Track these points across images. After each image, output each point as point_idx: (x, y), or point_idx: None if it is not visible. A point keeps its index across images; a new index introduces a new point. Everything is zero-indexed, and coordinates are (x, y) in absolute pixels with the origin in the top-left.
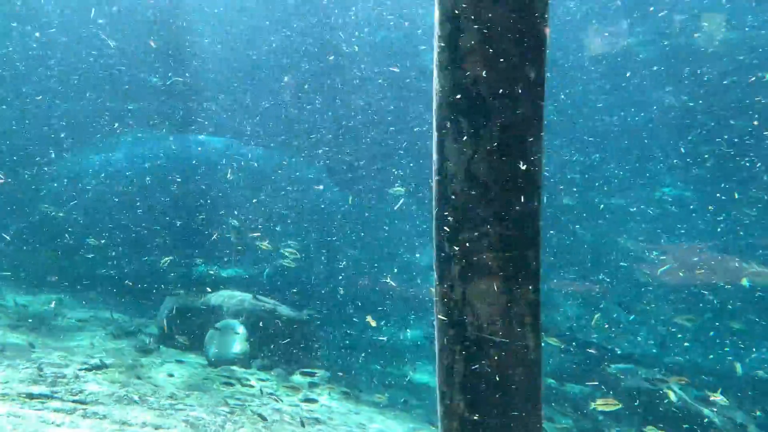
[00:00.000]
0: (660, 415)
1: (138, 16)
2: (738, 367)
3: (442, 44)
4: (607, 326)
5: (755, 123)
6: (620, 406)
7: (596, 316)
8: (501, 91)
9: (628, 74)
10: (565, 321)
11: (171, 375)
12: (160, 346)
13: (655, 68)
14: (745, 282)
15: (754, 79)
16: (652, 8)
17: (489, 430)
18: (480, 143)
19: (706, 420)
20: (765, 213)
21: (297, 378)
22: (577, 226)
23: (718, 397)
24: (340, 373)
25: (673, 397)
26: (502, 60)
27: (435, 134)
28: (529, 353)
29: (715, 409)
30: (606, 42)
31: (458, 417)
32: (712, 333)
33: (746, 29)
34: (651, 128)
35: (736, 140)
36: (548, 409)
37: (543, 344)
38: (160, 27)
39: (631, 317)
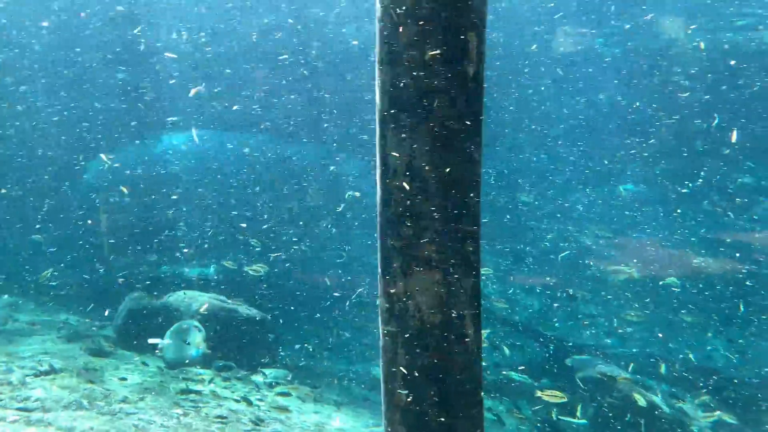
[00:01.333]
0: (611, 404)
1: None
2: (690, 356)
3: (383, 40)
4: (566, 320)
5: (713, 122)
6: (566, 398)
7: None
8: (440, 87)
9: (588, 74)
10: (525, 315)
11: (125, 378)
12: (116, 349)
13: (615, 69)
14: (672, 280)
15: (711, 79)
16: (613, 7)
17: (431, 419)
18: (420, 138)
19: (656, 406)
20: (721, 209)
21: (256, 378)
22: (534, 223)
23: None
24: (302, 372)
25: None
26: (440, 56)
27: (377, 129)
28: (469, 343)
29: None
30: (568, 42)
31: (401, 408)
32: (664, 324)
33: (705, 31)
34: (609, 127)
35: (691, 139)
36: (510, 400)
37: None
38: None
39: (590, 310)
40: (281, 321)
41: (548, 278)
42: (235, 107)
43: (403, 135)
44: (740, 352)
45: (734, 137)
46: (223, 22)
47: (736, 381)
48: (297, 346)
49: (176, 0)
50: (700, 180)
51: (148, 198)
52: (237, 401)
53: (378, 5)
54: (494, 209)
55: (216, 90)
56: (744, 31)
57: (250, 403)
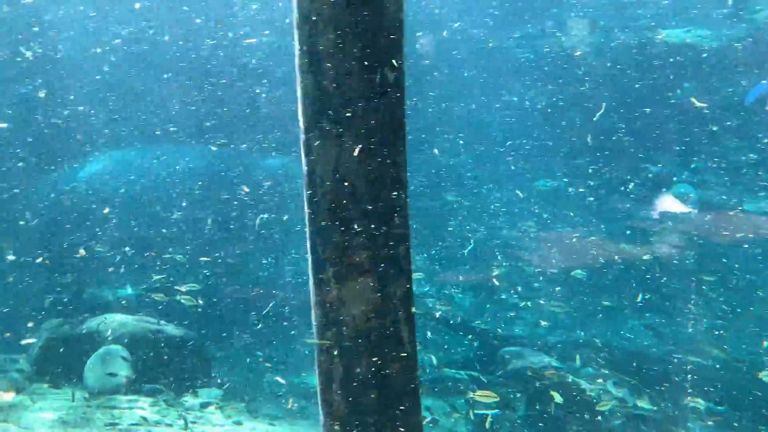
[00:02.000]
0: (542, 391)
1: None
2: (612, 340)
3: (302, 47)
4: (497, 313)
5: (625, 117)
6: (497, 398)
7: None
8: (362, 93)
9: (503, 76)
10: (457, 312)
11: (43, 413)
12: (32, 383)
13: (528, 70)
14: (578, 273)
15: (616, 77)
16: (524, 10)
17: (371, 427)
18: (345, 144)
19: (584, 390)
20: (633, 199)
21: (188, 400)
22: (459, 222)
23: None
24: (236, 389)
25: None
26: (361, 62)
27: (302, 137)
28: (404, 347)
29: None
30: (484, 44)
31: (339, 418)
32: (588, 311)
33: (612, 32)
34: (529, 125)
35: (607, 134)
36: (445, 398)
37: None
38: None
39: (520, 303)
40: (212, 339)
41: (476, 275)
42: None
43: (328, 143)
44: (657, 334)
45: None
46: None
47: (653, 360)
48: (230, 363)
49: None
50: (612, 173)
51: (65, 219)
52: (169, 425)
53: (295, 13)
54: (421, 211)
55: (129, 103)
56: (644, 31)
57: (184, 426)
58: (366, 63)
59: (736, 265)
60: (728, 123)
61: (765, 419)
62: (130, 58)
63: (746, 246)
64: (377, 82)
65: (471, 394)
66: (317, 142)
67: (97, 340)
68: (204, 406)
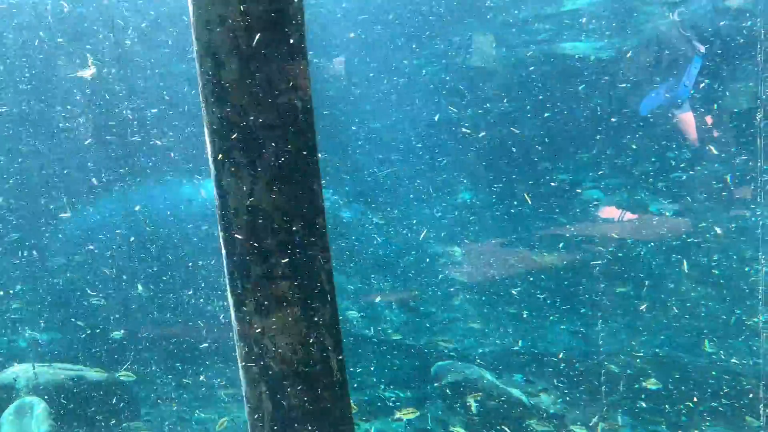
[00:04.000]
0: (477, 405)
1: None
2: (538, 346)
3: (206, 79)
4: (426, 329)
5: (533, 128)
6: (418, 413)
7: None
8: (270, 122)
9: (410, 92)
10: (386, 330)
11: None
12: None
13: (439, 86)
14: (501, 283)
15: (524, 88)
16: (429, 29)
17: None
18: (258, 175)
19: (514, 399)
20: (543, 209)
21: None
22: (383, 238)
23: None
24: (167, 429)
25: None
26: (267, 92)
27: (212, 170)
28: (334, 375)
29: (524, 390)
30: (395, 63)
31: None
32: (513, 320)
33: (514, 47)
34: (441, 141)
35: (517, 145)
36: (378, 419)
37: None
38: None
39: (447, 317)
40: (139, 378)
41: (403, 291)
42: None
43: (240, 174)
44: (581, 338)
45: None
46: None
47: (577, 363)
48: (158, 404)
49: None
50: (525, 183)
51: None
52: None
53: (196, 45)
54: (342, 231)
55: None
56: (544, 45)
57: None
58: (273, 92)
59: (648, 266)
60: (629, 130)
61: (691, 411)
62: None
63: (655, 246)
64: (285, 109)
65: (397, 414)
66: (228, 174)
67: (10, 393)
68: None
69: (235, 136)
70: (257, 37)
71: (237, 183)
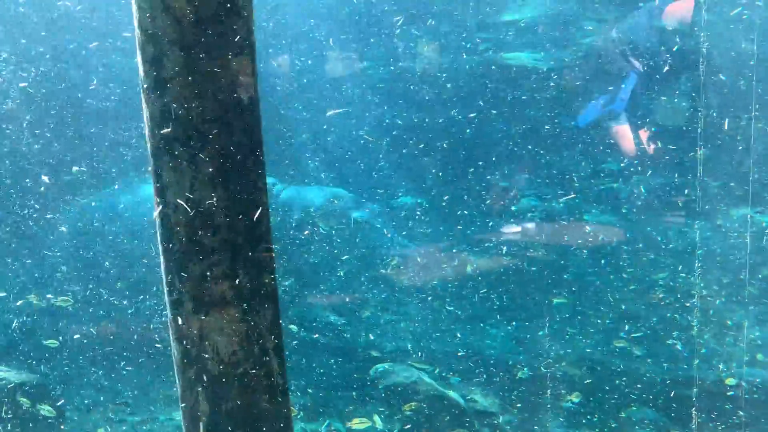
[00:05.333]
0: (416, 407)
1: None
2: (476, 350)
3: (146, 67)
4: (367, 331)
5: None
6: (369, 424)
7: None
8: (214, 115)
9: (357, 96)
10: (329, 333)
11: None
12: None
13: (384, 91)
14: (440, 287)
15: (467, 95)
16: (377, 32)
17: None
18: (199, 170)
19: (453, 402)
20: (481, 215)
21: None
22: (323, 241)
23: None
24: None
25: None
26: (210, 84)
27: (151, 162)
28: (274, 378)
29: (461, 391)
30: (342, 66)
31: None
32: (452, 323)
33: (458, 55)
34: (384, 145)
35: (457, 151)
36: (321, 422)
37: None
38: None
39: (387, 319)
40: (65, 381)
41: (346, 294)
42: None
43: (181, 168)
44: (516, 340)
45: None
46: None
47: (513, 366)
48: (86, 406)
49: None
50: (464, 189)
51: None
52: None
53: (138, 32)
54: (282, 233)
55: None
56: (487, 53)
57: None
58: (216, 85)
59: (581, 271)
60: (567, 140)
61: (616, 412)
62: None
63: (588, 253)
64: (229, 103)
65: (348, 424)
66: (168, 168)
67: None
68: None
69: (174, 129)
70: (204, 28)
71: (177, 177)
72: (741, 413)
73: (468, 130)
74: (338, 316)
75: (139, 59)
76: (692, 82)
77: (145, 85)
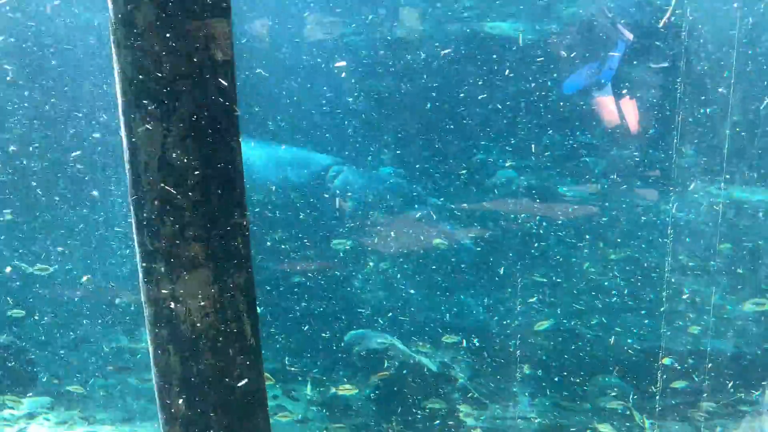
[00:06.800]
0: (390, 373)
1: None
2: (450, 317)
3: (117, 20)
4: (342, 297)
5: (453, 106)
6: (357, 390)
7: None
8: (188, 72)
9: (342, 64)
10: (303, 300)
11: None
12: None
13: (365, 57)
14: (414, 256)
15: (448, 64)
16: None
17: (213, 427)
18: (172, 128)
19: (425, 369)
20: (461, 184)
21: (12, 410)
22: (297, 209)
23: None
24: (69, 396)
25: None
26: (185, 39)
27: (122, 120)
28: (247, 340)
29: (433, 357)
30: (318, 32)
31: (179, 419)
32: (426, 292)
33: (441, 23)
34: (363, 112)
35: (437, 122)
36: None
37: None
38: None
39: (362, 287)
40: (37, 343)
41: (317, 261)
42: None
43: (152, 126)
44: (489, 309)
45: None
46: None
47: (486, 335)
48: (60, 369)
49: None
50: (446, 159)
51: None
52: None
53: None
54: (258, 200)
55: None
56: (470, 22)
57: None
58: (190, 40)
59: (554, 245)
60: (548, 113)
61: (581, 383)
62: None
63: (561, 227)
64: (204, 60)
65: (333, 389)
66: (139, 126)
67: None
68: (31, 416)
69: (145, 85)
70: None
71: (148, 135)
72: (706, 382)
73: (448, 100)
74: (312, 282)
75: (110, 10)
76: (675, 55)
77: (116, 39)
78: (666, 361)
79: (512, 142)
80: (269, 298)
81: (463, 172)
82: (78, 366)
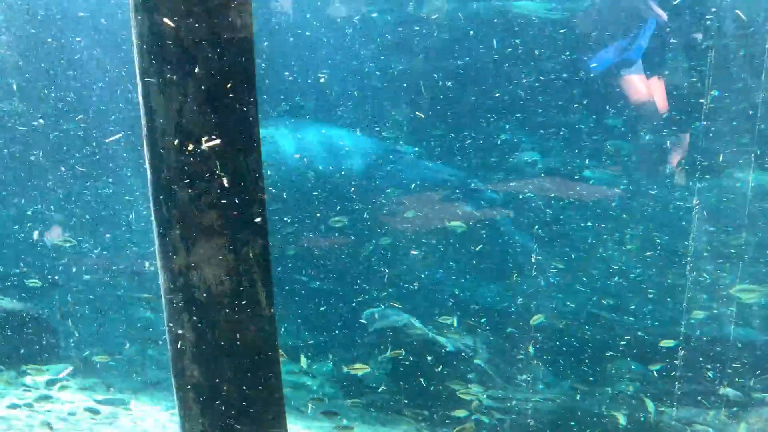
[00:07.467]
0: (404, 346)
1: None
2: (467, 299)
3: None
4: (360, 275)
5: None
6: (368, 369)
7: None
8: (204, 37)
9: (361, 41)
10: (319, 278)
11: None
12: None
13: (390, 36)
14: (456, 224)
15: (474, 43)
16: None
17: (226, 394)
18: (188, 94)
19: (442, 347)
20: (484, 165)
21: (34, 378)
22: (313, 185)
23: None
24: (88, 366)
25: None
26: (202, 4)
27: (139, 85)
28: (262, 309)
29: (450, 337)
30: (342, 9)
31: (193, 386)
32: (444, 271)
33: (467, 1)
34: (385, 91)
35: (459, 102)
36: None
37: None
38: None
39: (380, 266)
40: (60, 314)
41: (335, 239)
42: None
43: (169, 91)
44: (507, 291)
45: None
46: None
47: (503, 315)
48: (81, 337)
49: None
50: (464, 140)
51: None
52: (16, 406)
53: None
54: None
55: None
56: (497, 1)
57: (27, 405)
58: (209, 5)
59: (576, 227)
60: (573, 93)
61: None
62: None
63: (582, 209)
64: (223, 25)
65: (345, 368)
66: (156, 91)
67: None
68: (52, 383)
69: (163, 49)
70: None
71: (165, 101)
72: (728, 370)
73: (471, 79)
74: (331, 260)
75: None
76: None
77: (134, 3)
78: (684, 347)
79: (537, 122)
80: (297, 277)
81: (487, 153)
82: (102, 336)
